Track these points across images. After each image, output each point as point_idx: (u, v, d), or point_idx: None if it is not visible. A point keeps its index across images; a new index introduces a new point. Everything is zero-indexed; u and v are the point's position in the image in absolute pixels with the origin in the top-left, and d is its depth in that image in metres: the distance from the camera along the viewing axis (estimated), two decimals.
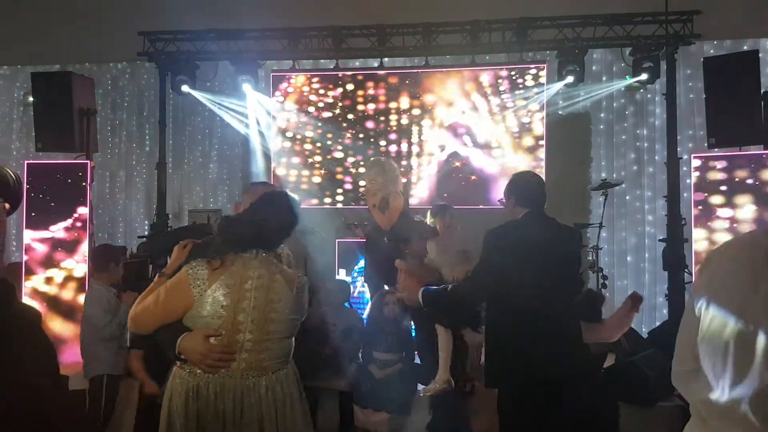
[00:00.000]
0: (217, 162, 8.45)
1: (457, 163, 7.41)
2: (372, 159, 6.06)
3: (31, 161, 5.59)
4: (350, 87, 7.56)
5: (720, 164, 4.78)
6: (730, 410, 1.40)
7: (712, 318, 1.46)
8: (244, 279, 2.25)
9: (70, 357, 4.74)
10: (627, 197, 7.57)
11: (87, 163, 5.57)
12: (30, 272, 5.44)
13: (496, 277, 3.06)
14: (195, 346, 2.18)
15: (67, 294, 5.44)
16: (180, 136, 8.43)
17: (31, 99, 6.52)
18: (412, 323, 4.56)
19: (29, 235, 5.46)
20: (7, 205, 1.10)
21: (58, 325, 5.31)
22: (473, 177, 7.37)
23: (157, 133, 7.73)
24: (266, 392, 2.26)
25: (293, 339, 2.42)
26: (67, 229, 5.46)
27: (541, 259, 3.06)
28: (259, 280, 2.27)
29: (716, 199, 4.80)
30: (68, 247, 5.46)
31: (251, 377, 2.24)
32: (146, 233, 7.68)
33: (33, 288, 5.42)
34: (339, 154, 7.61)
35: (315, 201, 7.59)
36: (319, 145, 7.62)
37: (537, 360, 2.97)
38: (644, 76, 6.67)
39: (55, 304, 5.40)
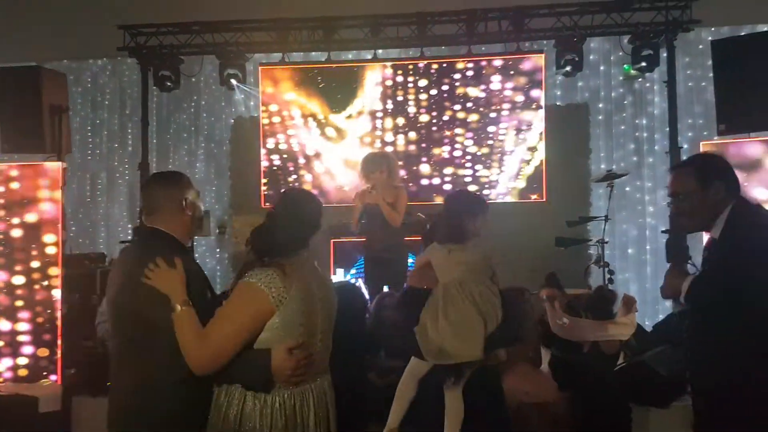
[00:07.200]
0: (205, 161, 8.16)
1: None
2: (374, 152, 5.83)
3: None
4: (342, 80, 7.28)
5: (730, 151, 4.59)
6: None
7: None
8: (308, 281, 2.17)
9: None
10: (627, 189, 7.38)
11: (59, 165, 5.21)
12: None
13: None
14: (282, 363, 2.03)
15: None
16: (164, 135, 8.12)
17: None
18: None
19: None
20: None
21: None
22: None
23: (139, 131, 7.42)
24: (325, 391, 2.25)
25: None
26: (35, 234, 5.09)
27: None
28: (318, 280, 2.23)
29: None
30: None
31: (318, 379, 2.21)
32: (130, 238, 7.38)
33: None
34: (331, 151, 7.35)
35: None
36: (310, 141, 7.37)
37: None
38: (643, 64, 6.54)
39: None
